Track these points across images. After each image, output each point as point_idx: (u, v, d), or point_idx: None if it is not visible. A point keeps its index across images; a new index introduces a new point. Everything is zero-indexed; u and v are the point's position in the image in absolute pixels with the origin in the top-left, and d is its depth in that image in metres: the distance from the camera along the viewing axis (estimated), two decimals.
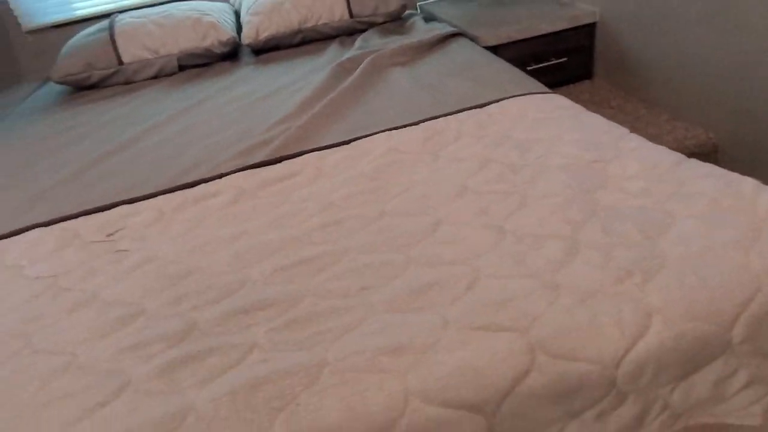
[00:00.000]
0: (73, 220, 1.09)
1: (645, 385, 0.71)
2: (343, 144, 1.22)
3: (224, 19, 1.96)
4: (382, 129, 1.24)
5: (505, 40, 1.85)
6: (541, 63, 1.91)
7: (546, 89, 1.34)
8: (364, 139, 1.22)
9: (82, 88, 1.86)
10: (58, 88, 1.93)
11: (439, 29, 1.83)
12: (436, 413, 0.65)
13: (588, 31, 1.92)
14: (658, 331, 0.69)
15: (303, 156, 1.19)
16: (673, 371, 0.71)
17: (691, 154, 1.17)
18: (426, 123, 1.25)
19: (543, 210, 0.90)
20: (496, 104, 1.28)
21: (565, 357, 0.67)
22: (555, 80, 1.96)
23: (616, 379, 0.69)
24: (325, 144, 1.22)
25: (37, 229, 1.09)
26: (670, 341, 0.69)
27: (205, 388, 0.69)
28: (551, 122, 1.17)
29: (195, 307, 0.83)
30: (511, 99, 1.29)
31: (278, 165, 1.17)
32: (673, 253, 0.77)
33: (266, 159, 1.19)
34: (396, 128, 1.24)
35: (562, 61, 1.93)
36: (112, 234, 1.04)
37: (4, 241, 1.07)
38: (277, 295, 0.82)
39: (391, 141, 1.19)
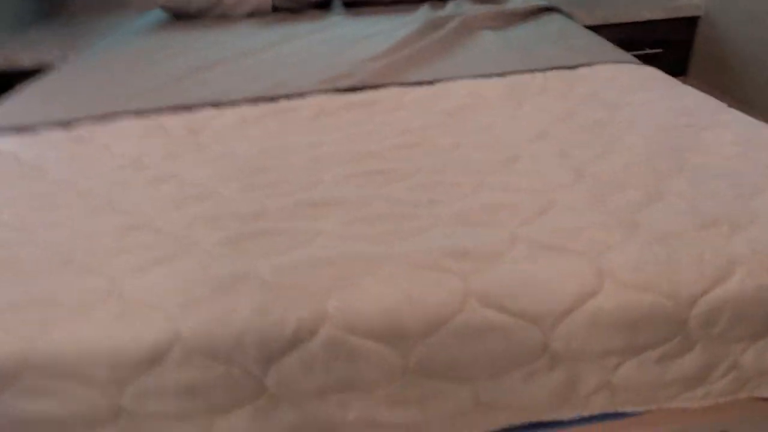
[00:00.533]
0: (161, 115, 1.15)
1: (717, 335, 0.67)
2: (426, 83, 1.22)
3: None
4: (466, 76, 1.23)
5: (600, 21, 1.79)
6: (635, 51, 1.84)
7: (641, 63, 1.29)
8: (447, 82, 1.22)
9: (182, 16, 1.94)
10: (160, 16, 2.02)
11: (534, 2, 1.79)
12: (492, 317, 0.64)
13: (689, 24, 1.84)
14: (740, 279, 0.65)
15: (385, 88, 1.20)
16: (750, 326, 0.67)
17: None
18: (512, 76, 1.23)
19: (627, 159, 0.87)
20: (587, 67, 1.24)
21: (636, 287, 0.65)
22: None
23: (688, 320, 0.65)
24: (408, 81, 1.22)
25: (126, 118, 1.14)
26: (752, 291, 0.65)
27: (269, 259, 0.70)
28: (644, 89, 1.12)
29: (267, 196, 0.85)
30: (603, 64, 1.25)
31: (360, 93, 1.19)
32: (765, 212, 0.73)
33: (349, 86, 1.20)
34: (480, 76, 1.23)
35: (656, 52, 1.85)
36: (195, 131, 1.09)
37: (96, 125, 1.13)
38: (348, 196, 0.83)
39: (474, 87, 1.18)
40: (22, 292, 0.67)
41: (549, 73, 1.22)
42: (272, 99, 1.19)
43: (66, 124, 1.13)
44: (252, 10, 1.90)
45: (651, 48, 1.84)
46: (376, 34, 1.62)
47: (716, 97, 1.75)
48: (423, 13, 1.81)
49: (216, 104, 1.17)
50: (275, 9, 1.92)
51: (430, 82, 1.22)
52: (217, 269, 0.69)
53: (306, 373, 0.64)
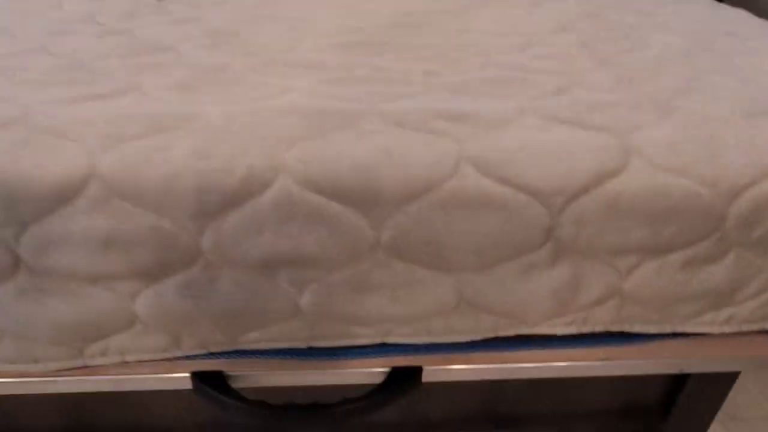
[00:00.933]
0: None
1: (755, 241, 0.55)
2: None
3: None
4: None
5: None
6: None
7: None
8: None
9: None
10: None
11: None
12: (490, 187, 0.52)
13: None
14: None
15: None
16: None
17: None
18: None
19: (660, 54, 0.74)
20: None
21: (669, 168, 0.52)
22: None
23: (726, 217, 0.53)
24: None
25: None
26: None
27: (223, 105, 0.57)
28: (681, 1, 0.99)
29: (234, 54, 0.71)
30: None
31: None
32: None
33: None
34: None
35: None
36: None
37: None
38: (327, 61, 0.69)
39: None
40: None
41: None
42: None
43: None
44: None
45: None
46: None
47: None
48: None
49: None
50: None
51: None
52: (156, 108, 0.56)
53: (252, 236, 0.51)
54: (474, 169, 0.51)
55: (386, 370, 0.63)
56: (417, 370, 0.63)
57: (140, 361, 0.60)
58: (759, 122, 0.56)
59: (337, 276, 0.54)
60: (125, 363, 0.60)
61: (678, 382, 0.78)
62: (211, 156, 0.50)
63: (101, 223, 0.50)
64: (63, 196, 0.49)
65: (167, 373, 0.63)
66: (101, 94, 0.59)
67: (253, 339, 0.60)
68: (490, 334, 0.61)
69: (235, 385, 0.63)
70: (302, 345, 0.61)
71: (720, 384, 0.77)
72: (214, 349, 0.61)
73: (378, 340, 0.61)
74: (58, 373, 0.60)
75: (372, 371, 0.63)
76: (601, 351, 0.65)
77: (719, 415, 1.18)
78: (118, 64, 0.67)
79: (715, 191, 0.52)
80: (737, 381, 1.22)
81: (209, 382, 0.62)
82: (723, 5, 0.99)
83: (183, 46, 0.74)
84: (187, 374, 0.63)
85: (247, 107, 0.56)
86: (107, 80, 0.62)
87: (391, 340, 0.61)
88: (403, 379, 0.63)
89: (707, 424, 0.86)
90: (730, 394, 1.33)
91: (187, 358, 0.61)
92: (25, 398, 0.70)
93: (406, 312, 0.58)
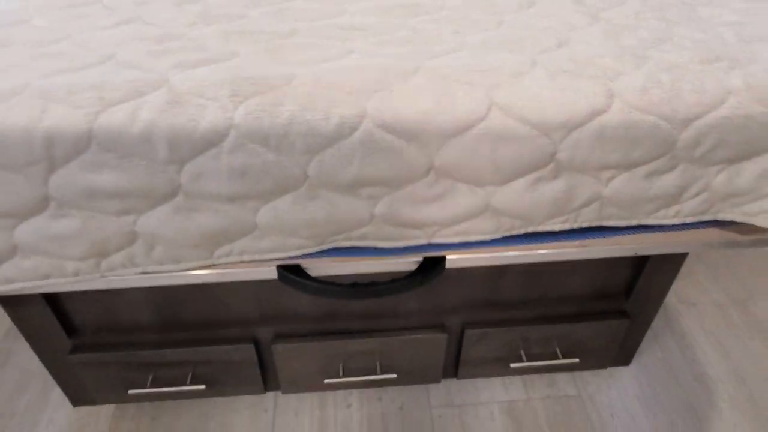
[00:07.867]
0: None
1: (698, 157, 0.77)
2: None
3: None
4: None
5: None
6: None
7: None
8: None
9: None
10: None
11: None
12: (512, 126, 0.72)
13: None
14: (732, 107, 0.74)
15: None
16: (728, 151, 0.77)
17: None
18: None
19: (638, 9, 0.92)
20: None
21: (641, 109, 0.73)
22: None
23: (677, 141, 0.75)
24: None
25: None
26: (739, 119, 0.74)
27: (308, 66, 0.75)
28: None
29: (296, 19, 0.88)
30: None
31: None
32: (765, 55, 0.80)
33: None
34: None
35: None
36: None
37: None
38: (374, 24, 0.87)
39: None
40: (78, 78, 0.71)
41: None
42: None
43: None
44: None
45: None
46: None
47: None
48: None
49: None
50: None
51: None
52: (260, 71, 0.74)
53: (344, 165, 0.72)
54: (501, 112, 0.72)
55: (419, 259, 0.86)
56: (442, 259, 0.86)
57: (253, 261, 0.82)
58: (710, 69, 0.77)
59: (402, 191, 0.76)
60: (241, 262, 0.82)
61: (638, 268, 1.03)
62: (313, 109, 0.69)
63: (239, 160, 0.70)
64: (211, 142, 0.68)
65: (257, 267, 0.84)
66: (208, 59, 0.76)
67: (338, 239, 0.82)
68: (507, 232, 0.84)
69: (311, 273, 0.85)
70: (371, 245, 0.83)
71: (670, 266, 1.02)
72: (306, 249, 0.82)
73: (425, 241, 0.84)
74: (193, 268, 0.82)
75: (409, 261, 0.86)
76: (584, 242, 0.88)
77: (674, 301, 1.46)
78: (208, 33, 0.83)
79: (671, 124, 0.73)
80: (689, 272, 1.52)
81: (290, 271, 0.84)
82: None
83: (251, 12, 0.90)
84: (273, 267, 0.84)
85: (328, 67, 0.75)
86: (206, 48, 0.79)
87: (436, 240, 0.83)
88: (432, 265, 0.86)
89: (660, 302, 1.13)
90: (683, 283, 1.64)
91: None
92: (123, 294, 0.93)
93: (447, 217, 0.80)
